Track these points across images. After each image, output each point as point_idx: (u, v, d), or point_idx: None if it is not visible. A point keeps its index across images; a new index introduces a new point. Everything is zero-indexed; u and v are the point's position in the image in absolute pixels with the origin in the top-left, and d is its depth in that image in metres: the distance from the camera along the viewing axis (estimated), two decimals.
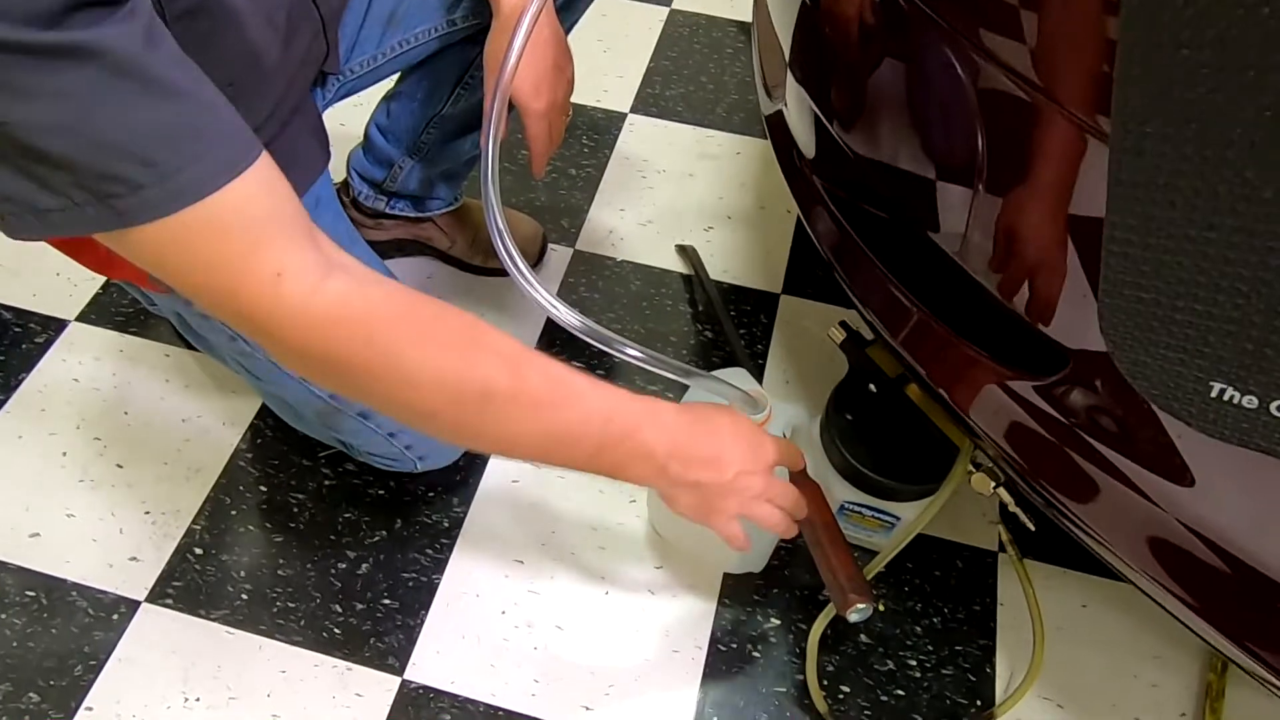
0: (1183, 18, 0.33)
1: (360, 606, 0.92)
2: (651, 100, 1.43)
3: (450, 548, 0.96)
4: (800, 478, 0.82)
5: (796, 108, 0.83)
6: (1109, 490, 0.59)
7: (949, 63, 0.55)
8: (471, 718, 0.86)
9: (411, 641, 0.90)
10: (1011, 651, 0.91)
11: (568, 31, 0.91)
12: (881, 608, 0.93)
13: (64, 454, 1.02)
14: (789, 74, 0.82)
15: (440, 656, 0.89)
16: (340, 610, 0.92)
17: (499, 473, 1.02)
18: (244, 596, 0.92)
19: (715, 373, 0.78)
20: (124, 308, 1.15)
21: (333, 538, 0.97)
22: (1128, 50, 0.36)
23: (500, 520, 0.98)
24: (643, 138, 1.37)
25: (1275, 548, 0.53)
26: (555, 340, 1.13)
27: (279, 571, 0.94)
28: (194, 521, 0.97)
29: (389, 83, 1.05)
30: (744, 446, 0.68)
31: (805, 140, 0.83)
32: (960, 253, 0.61)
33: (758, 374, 1.10)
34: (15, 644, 0.88)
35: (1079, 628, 0.93)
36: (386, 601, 0.93)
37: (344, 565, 0.95)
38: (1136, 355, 0.43)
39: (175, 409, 1.06)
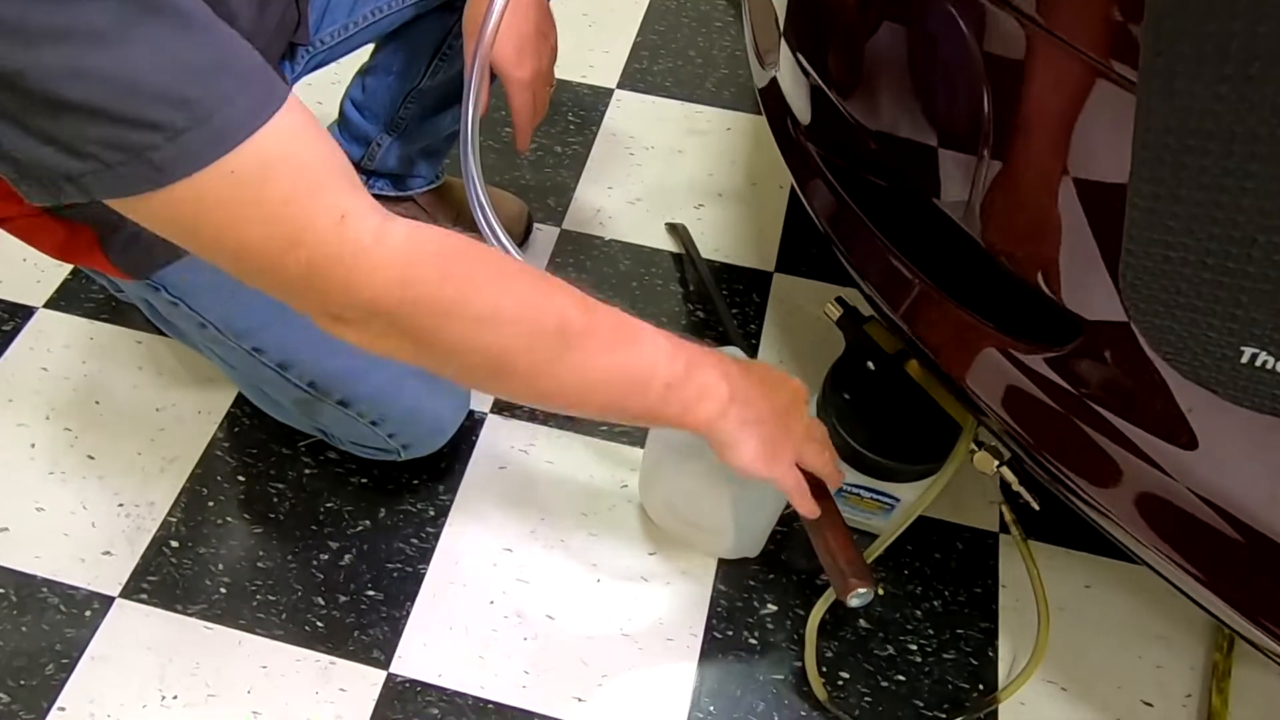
0: None
1: (343, 598, 0.89)
2: (639, 75, 1.39)
3: (436, 537, 0.93)
4: None
5: (791, 73, 0.80)
6: (1120, 462, 0.57)
7: (954, 11, 0.52)
8: (460, 711, 0.83)
9: (397, 634, 0.87)
10: (1014, 634, 0.89)
11: None
12: (881, 591, 0.91)
13: (33, 445, 0.98)
14: (783, 38, 0.79)
15: (427, 649, 0.86)
16: (323, 603, 0.89)
17: (486, 459, 0.99)
18: (222, 590, 0.89)
19: None
20: (94, 294, 1.11)
21: (314, 528, 0.94)
22: None
23: (488, 507, 0.96)
24: (630, 114, 1.34)
25: None
26: None
27: (258, 564, 0.91)
28: (169, 514, 0.94)
29: (364, 56, 1.01)
30: (780, 383, 0.67)
31: (801, 107, 0.80)
32: (967, 219, 0.58)
33: (751, 354, 1.08)
34: None
35: (1083, 609, 0.91)
36: (371, 593, 0.90)
37: (326, 556, 0.92)
38: (1161, 320, 0.40)
39: (149, 398, 1.02)
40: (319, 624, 0.88)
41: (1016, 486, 0.76)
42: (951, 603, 0.91)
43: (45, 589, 0.89)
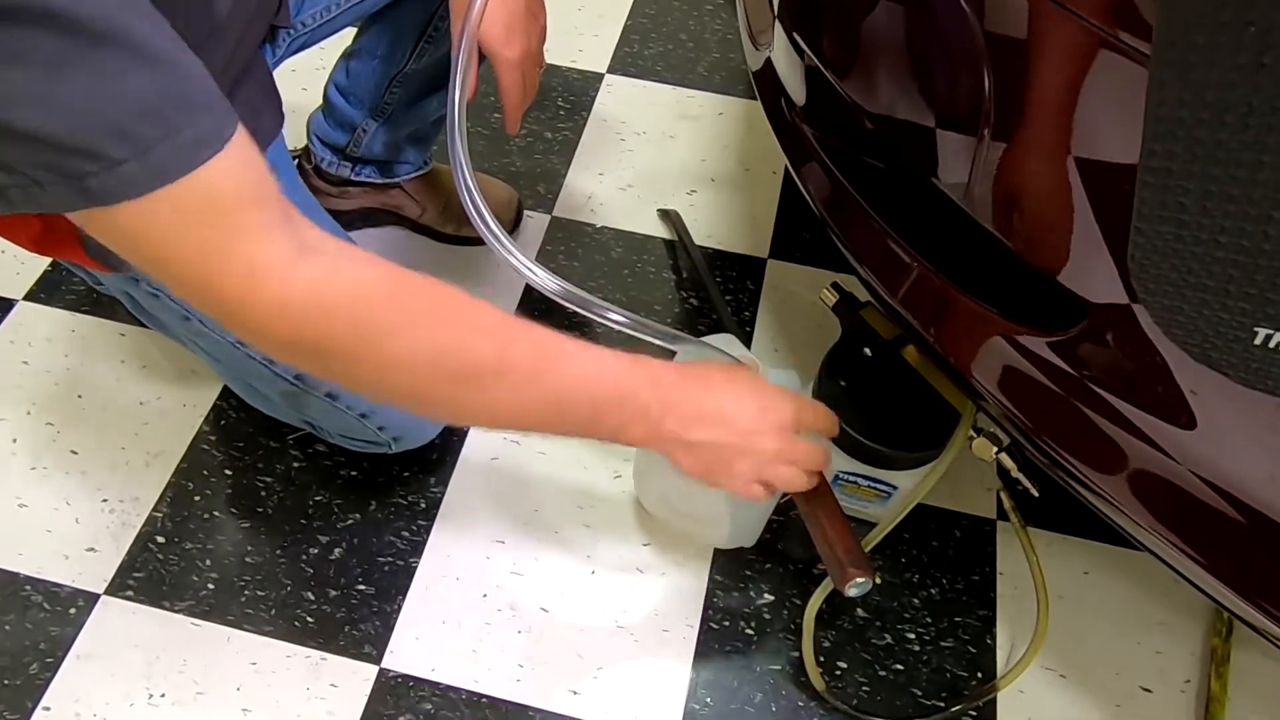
0: None
1: (334, 593, 0.88)
2: (629, 60, 1.37)
3: (428, 529, 0.92)
4: None
5: (785, 54, 0.78)
6: (1122, 444, 0.56)
7: None
8: (454, 706, 0.82)
9: (389, 628, 0.86)
10: (1012, 622, 0.88)
11: None
12: (879, 580, 0.90)
13: (14, 440, 0.96)
14: (777, 18, 0.77)
15: (419, 643, 0.85)
16: (313, 598, 0.87)
17: (478, 450, 0.97)
18: (210, 586, 0.88)
19: (704, 339, 0.73)
20: (75, 286, 1.09)
21: (303, 522, 0.92)
22: None
23: (480, 500, 0.94)
24: (621, 99, 1.32)
25: None
26: (534, 310, 1.08)
27: (247, 559, 0.90)
28: (155, 509, 0.92)
29: (348, 39, 0.99)
30: (749, 404, 0.65)
31: (795, 88, 0.78)
32: (968, 201, 0.57)
33: (745, 341, 1.06)
34: None
35: (1081, 595, 0.90)
36: (362, 587, 0.88)
37: (316, 550, 0.90)
38: (1171, 301, 0.39)
39: (132, 391, 1.00)
40: (309, 619, 0.86)
41: (1015, 473, 0.75)
42: (949, 591, 0.90)
43: (28, 587, 0.87)
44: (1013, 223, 0.56)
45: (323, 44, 0.90)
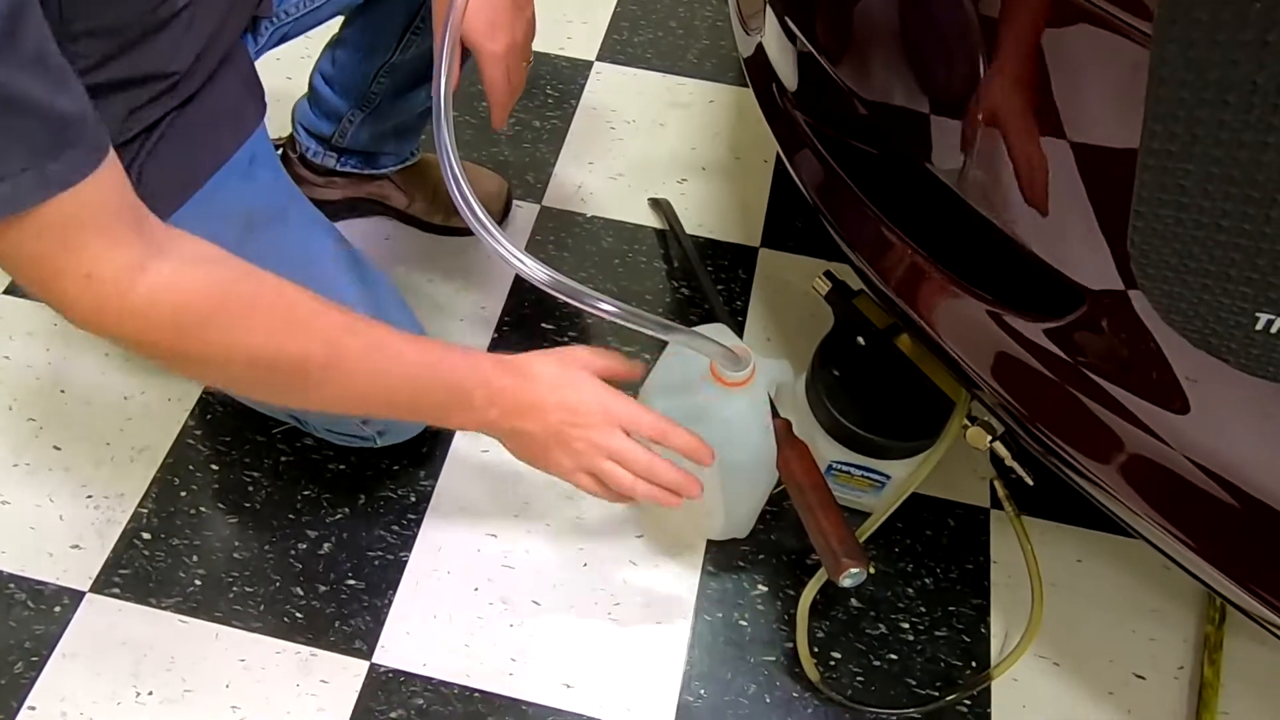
0: None
1: (323, 588, 0.87)
2: (618, 47, 1.36)
3: (418, 523, 0.91)
4: (787, 437, 0.78)
5: (777, 39, 0.77)
6: (1117, 431, 0.55)
7: None
8: (446, 701, 0.81)
9: (379, 623, 0.85)
10: (1006, 611, 0.88)
11: None
12: (873, 570, 0.90)
13: None
14: (768, 2, 0.76)
15: (410, 638, 0.84)
16: (302, 593, 0.86)
17: (468, 443, 0.96)
18: (197, 582, 0.87)
19: (696, 329, 0.73)
20: None
21: (291, 517, 0.91)
22: None
23: (470, 493, 0.93)
24: (610, 87, 1.31)
25: None
26: (525, 301, 1.08)
27: (234, 554, 0.88)
28: (140, 505, 0.91)
29: (335, 28, 0.97)
30: (567, 396, 0.68)
31: (787, 73, 0.77)
32: (963, 186, 0.56)
33: (737, 331, 1.06)
34: None
35: (1075, 584, 0.90)
36: (351, 582, 0.87)
37: (304, 545, 0.89)
38: (1171, 287, 0.38)
39: (116, 386, 0.99)
40: (298, 615, 0.85)
41: (1010, 461, 0.75)
42: (943, 580, 0.90)
43: (12, 585, 0.86)
44: (1008, 209, 0.55)
45: (309, 33, 0.88)
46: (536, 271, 0.63)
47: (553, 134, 1.25)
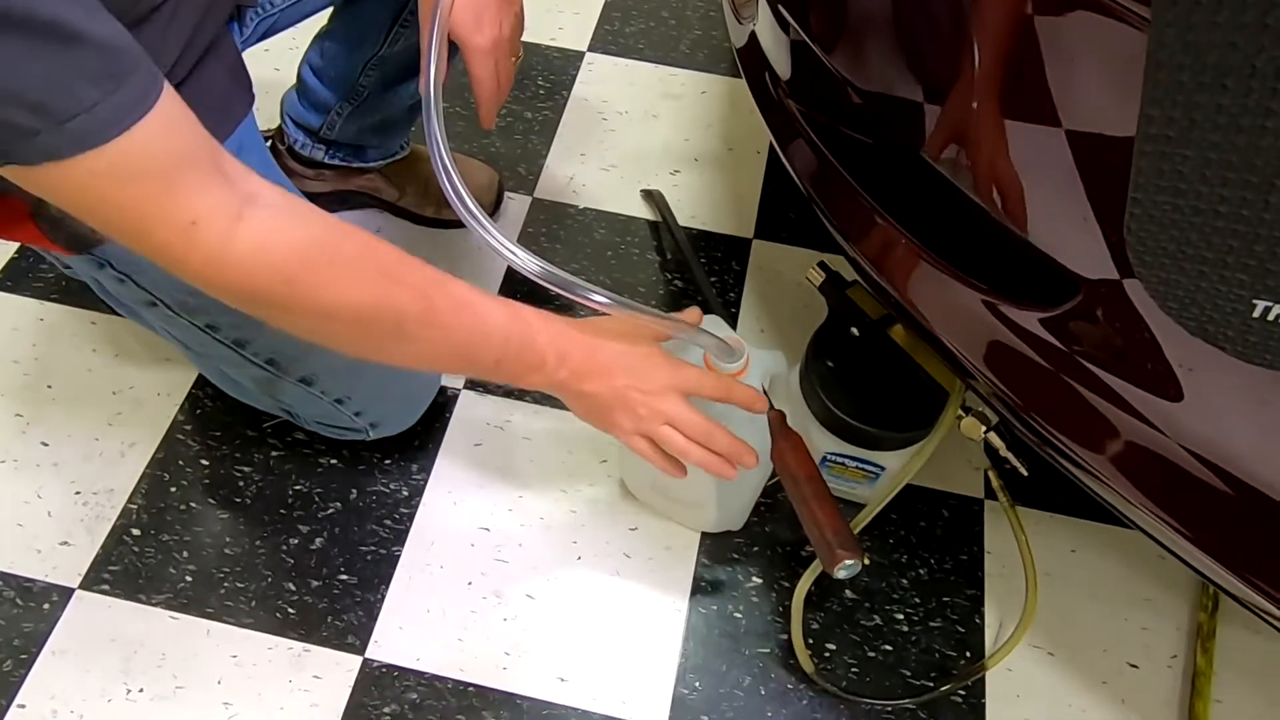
0: None
1: (315, 584, 0.86)
2: (610, 38, 1.35)
3: (410, 518, 0.90)
4: (781, 429, 0.77)
5: (770, 27, 0.77)
6: (1112, 420, 0.55)
7: None
8: (440, 695, 0.81)
9: (372, 618, 0.84)
10: (1000, 601, 0.88)
11: None
12: (867, 562, 0.90)
13: None
14: None
15: (404, 633, 0.84)
16: (294, 588, 0.86)
17: (461, 436, 0.96)
18: (188, 578, 0.86)
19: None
20: (43, 273, 1.06)
21: (283, 512, 0.90)
22: None
23: (463, 487, 0.93)
24: (602, 78, 1.30)
25: None
26: (517, 293, 1.05)
27: (225, 550, 0.88)
28: (130, 500, 0.90)
29: (324, 20, 0.96)
30: (634, 362, 0.69)
31: (781, 62, 0.76)
32: (958, 175, 0.56)
33: (731, 323, 1.05)
34: None
35: (1068, 573, 0.90)
36: (344, 577, 0.87)
37: (296, 541, 0.89)
38: (1168, 274, 0.38)
39: (104, 380, 0.98)
40: (290, 610, 0.85)
41: (1004, 452, 0.75)
42: (938, 571, 0.90)
43: (0, 582, 0.85)
44: (1003, 197, 0.55)
45: (296, 24, 0.87)
46: (528, 263, 0.62)
47: (544, 125, 1.24)
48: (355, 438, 0.89)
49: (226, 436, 0.95)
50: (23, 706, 0.79)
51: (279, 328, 0.59)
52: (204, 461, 0.93)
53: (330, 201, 1.10)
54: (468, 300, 0.64)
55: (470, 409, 0.98)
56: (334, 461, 0.94)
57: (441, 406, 0.97)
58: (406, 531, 0.90)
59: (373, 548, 0.89)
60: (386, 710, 0.80)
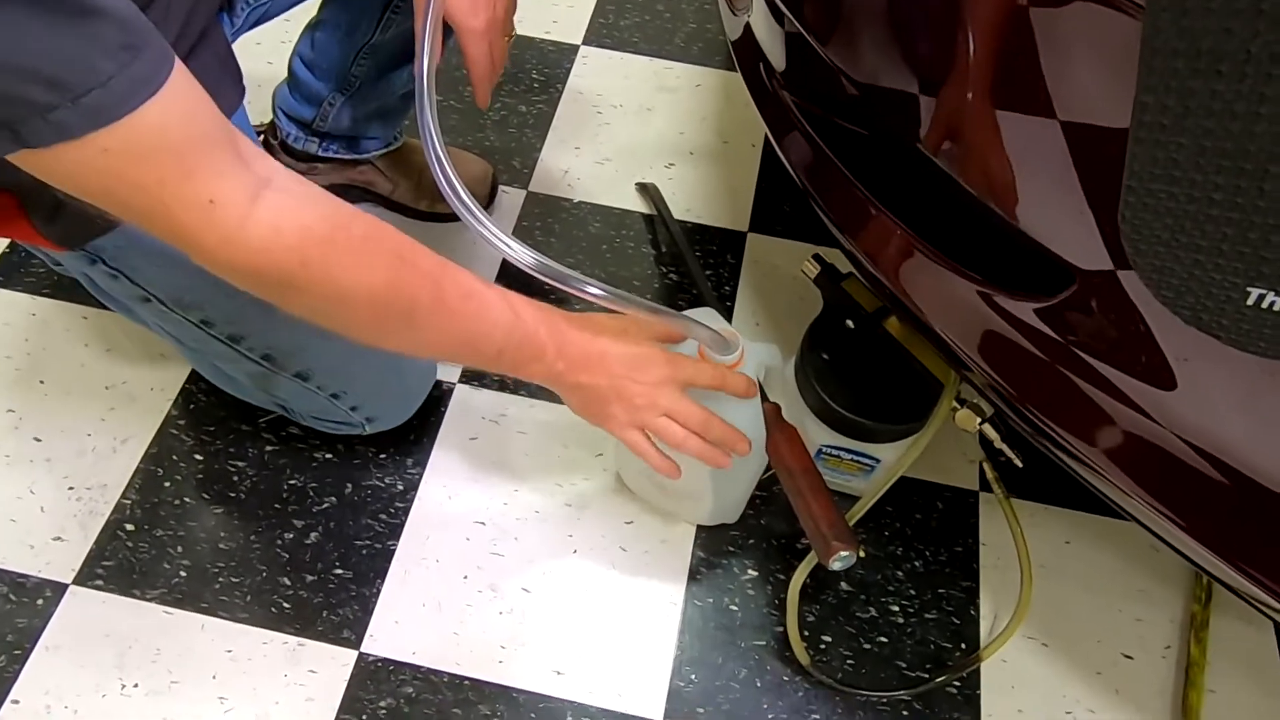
0: None
1: (310, 578, 0.86)
2: (605, 31, 1.34)
3: (405, 512, 0.90)
4: (776, 421, 0.77)
5: (765, 19, 0.76)
6: (1107, 410, 0.55)
7: None
8: (436, 689, 0.81)
9: (368, 612, 0.84)
10: (995, 592, 0.89)
11: None
12: (863, 554, 0.90)
13: None
14: None
15: (399, 627, 0.84)
16: (289, 583, 0.86)
17: (456, 431, 0.96)
18: (182, 573, 0.86)
19: (684, 313, 0.72)
20: (35, 268, 1.05)
21: (277, 506, 0.90)
22: None
23: (458, 480, 0.93)
24: (597, 71, 1.29)
25: None
26: (511, 286, 1.05)
27: (220, 545, 0.88)
28: (123, 495, 0.90)
29: (312, 9, 0.95)
30: (631, 355, 0.69)
31: (776, 53, 0.76)
32: (953, 166, 0.56)
33: (726, 316, 1.05)
34: None
35: (1063, 565, 0.90)
36: (339, 571, 0.87)
37: (291, 535, 0.88)
38: (1162, 263, 0.38)
39: (97, 376, 0.97)
40: (285, 605, 0.84)
41: (999, 444, 0.75)
42: (933, 563, 0.90)
43: None
44: (999, 188, 0.54)
45: (287, 15, 0.87)
46: (523, 255, 0.62)
47: (539, 119, 1.23)
48: (351, 432, 0.89)
49: (220, 431, 0.94)
50: (17, 702, 0.79)
51: (289, 311, 0.59)
52: (198, 456, 0.93)
53: None
54: (474, 289, 0.64)
55: (465, 403, 0.98)
56: (329, 456, 0.93)
57: (436, 400, 0.97)
58: (402, 526, 0.89)
59: (368, 542, 0.88)
60: (382, 704, 0.80)
